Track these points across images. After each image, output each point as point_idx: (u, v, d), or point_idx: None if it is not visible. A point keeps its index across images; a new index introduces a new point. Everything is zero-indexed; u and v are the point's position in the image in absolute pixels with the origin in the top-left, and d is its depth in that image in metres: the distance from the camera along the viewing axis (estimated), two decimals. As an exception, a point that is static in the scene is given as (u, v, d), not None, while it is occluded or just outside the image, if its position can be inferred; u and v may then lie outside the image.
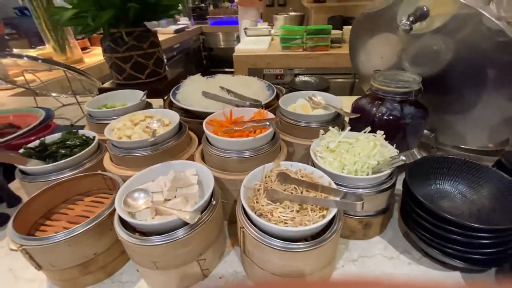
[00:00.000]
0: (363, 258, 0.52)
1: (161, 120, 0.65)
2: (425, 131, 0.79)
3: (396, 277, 0.49)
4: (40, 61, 1.01)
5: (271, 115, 0.63)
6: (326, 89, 1.05)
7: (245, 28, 2.86)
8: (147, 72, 0.99)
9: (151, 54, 0.97)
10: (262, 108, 0.68)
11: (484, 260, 0.44)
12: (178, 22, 4.01)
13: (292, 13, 3.06)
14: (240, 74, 0.98)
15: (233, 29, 3.97)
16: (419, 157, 0.44)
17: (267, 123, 0.57)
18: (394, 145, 0.55)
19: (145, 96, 0.78)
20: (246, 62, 2.29)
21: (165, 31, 3.43)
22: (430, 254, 0.49)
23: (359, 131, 0.59)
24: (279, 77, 2.25)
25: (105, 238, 0.47)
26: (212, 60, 4.48)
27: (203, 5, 4.65)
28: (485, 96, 0.60)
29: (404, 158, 0.45)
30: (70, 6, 0.84)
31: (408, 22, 0.55)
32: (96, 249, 0.47)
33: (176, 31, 3.45)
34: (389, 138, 0.64)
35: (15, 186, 0.67)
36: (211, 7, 4.62)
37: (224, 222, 0.61)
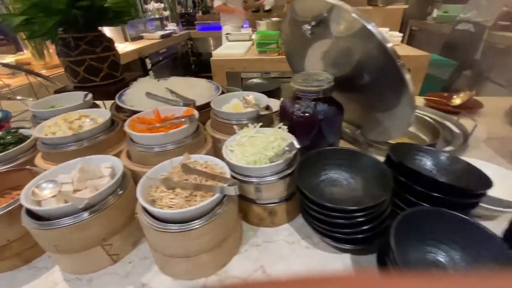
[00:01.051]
0: (266, 243, 0.56)
1: (94, 118, 0.69)
2: (353, 127, 0.84)
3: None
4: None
5: (196, 113, 0.67)
6: (276, 90, 1.10)
7: (227, 34, 2.93)
8: (102, 75, 1.03)
9: (105, 58, 1.01)
10: (193, 107, 0.73)
11: (364, 238, 0.48)
12: (166, 28, 4.08)
13: (274, 19, 3.13)
14: (218, 78, 1.03)
15: (221, 35, 4.03)
16: (298, 147, 0.48)
17: (183, 119, 0.61)
18: (295, 139, 0.58)
19: (89, 97, 0.82)
20: (224, 66, 2.35)
21: (151, 37, 3.50)
22: (322, 239, 0.53)
23: None
24: (255, 81, 2.30)
25: (18, 226, 0.50)
26: (200, 65, 4.53)
27: (191, 11, 4.74)
28: (391, 95, 0.65)
29: (287, 148, 0.49)
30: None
31: (309, 27, 0.59)
32: (9, 236, 0.51)
33: (162, 37, 3.51)
34: (306, 134, 0.68)
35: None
36: (200, 13, 4.72)
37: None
